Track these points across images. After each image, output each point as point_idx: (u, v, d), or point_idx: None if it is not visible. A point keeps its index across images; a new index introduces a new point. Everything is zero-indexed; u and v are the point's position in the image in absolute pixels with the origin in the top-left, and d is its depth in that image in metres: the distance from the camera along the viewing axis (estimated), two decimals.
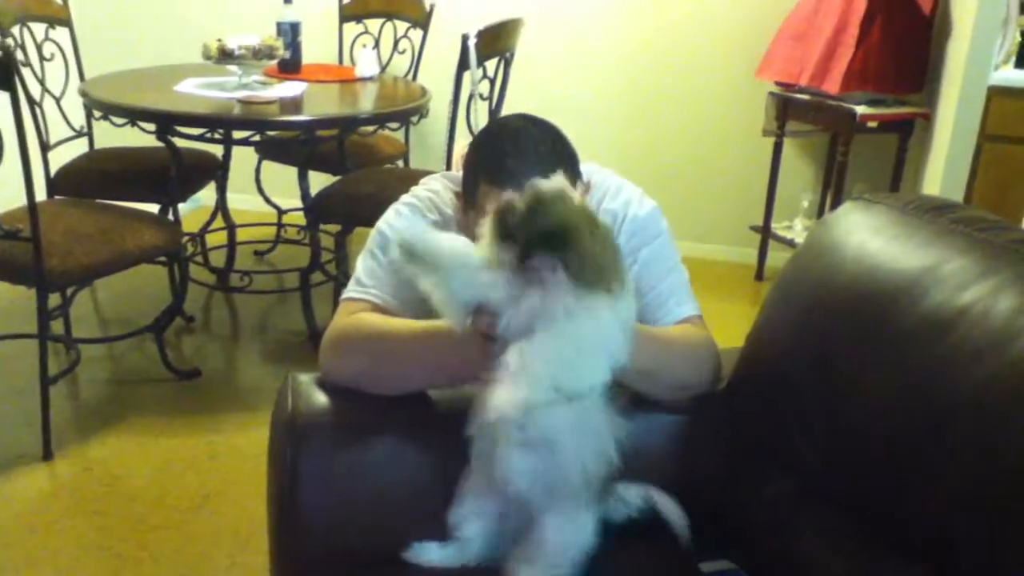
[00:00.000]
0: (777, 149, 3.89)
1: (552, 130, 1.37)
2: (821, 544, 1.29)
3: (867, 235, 1.36)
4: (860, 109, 3.45)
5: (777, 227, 4.00)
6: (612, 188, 1.50)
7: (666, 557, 1.36)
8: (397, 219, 1.48)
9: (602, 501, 1.25)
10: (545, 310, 1.07)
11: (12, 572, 2.11)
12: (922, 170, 3.59)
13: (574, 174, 1.36)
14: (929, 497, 1.13)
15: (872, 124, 3.49)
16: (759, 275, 4.08)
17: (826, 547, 1.28)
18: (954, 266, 1.20)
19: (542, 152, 1.31)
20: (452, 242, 1.13)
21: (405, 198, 1.51)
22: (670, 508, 1.33)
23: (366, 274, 1.45)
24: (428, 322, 1.28)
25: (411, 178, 1.61)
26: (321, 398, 1.38)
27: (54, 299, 2.95)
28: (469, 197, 1.37)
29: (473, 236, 1.28)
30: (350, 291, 1.45)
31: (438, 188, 1.51)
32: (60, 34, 3.27)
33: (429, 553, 1.28)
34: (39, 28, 3.19)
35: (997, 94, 3.25)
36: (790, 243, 3.83)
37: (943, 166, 3.26)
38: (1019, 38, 3.43)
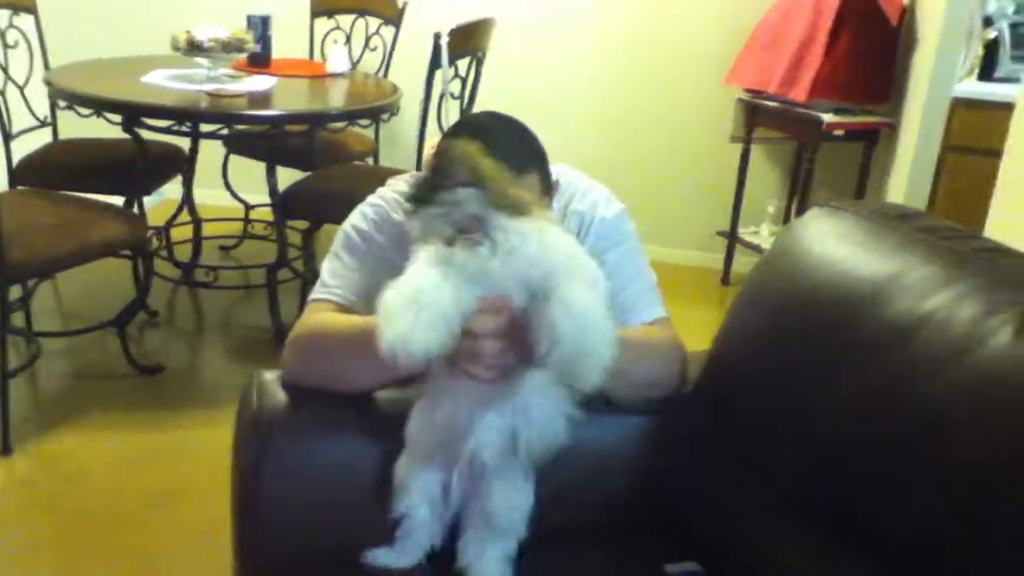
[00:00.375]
0: (745, 155, 3.93)
1: (521, 128, 1.37)
2: (785, 546, 1.30)
3: (833, 242, 1.37)
4: (827, 117, 3.49)
5: (744, 232, 4.03)
6: (580, 190, 1.50)
7: (631, 559, 1.37)
8: (362, 221, 1.47)
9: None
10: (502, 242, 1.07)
11: None
12: (886, 178, 3.64)
13: (543, 172, 1.36)
14: (892, 501, 1.14)
15: (838, 132, 3.53)
16: (725, 280, 4.11)
17: (790, 549, 1.29)
18: (918, 274, 1.22)
19: (511, 150, 1.31)
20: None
21: (371, 199, 1.51)
22: None
23: (330, 275, 1.45)
24: (375, 317, 1.28)
25: (380, 176, 1.60)
26: (285, 397, 1.37)
27: (15, 291, 2.90)
28: None
29: None
30: (315, 293, 1.45)
31: (404, 188, 1.50)
32: (24, 21, 3.21)
33: (384, 557, 1.28)
34: (3, 15, 3.14)
35: (960, 106, 3.31)
36: (756, 248, 3.87)
37: (907, 175, 3.30)
38: (982, 51, 3.50)
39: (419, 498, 1.26)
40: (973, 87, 3.42)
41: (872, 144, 3.70)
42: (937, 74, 3.19)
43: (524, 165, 1.31)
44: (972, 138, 3.34)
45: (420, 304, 1.03)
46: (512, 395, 1.15)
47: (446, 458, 1.24)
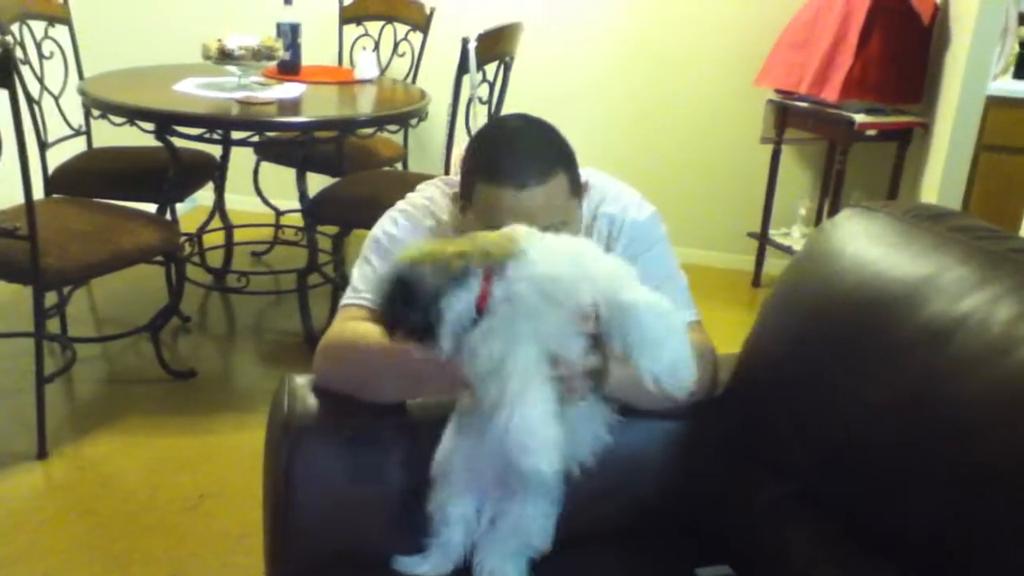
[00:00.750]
0: (775, 156, 3.90)
1: (549, 129, 1.38)
2: (816, 550, 1.29)
3: (866, 243, 1.36)
4: (858, 118, 3.46)
5: (775, 234, 4.00)
6: (611, 193, 1.50)
7: (662, 562, 1.36)
8: (392, 226, 1.48)
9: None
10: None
11: (4, 570, 2.10)
12: (920, 179, 3.59)
13: (571, 173, 1.36)
14: (924, 505, 1.13)
15: (870, 132, 3.50)
16: (756, 282, 4.08)
17: (821, 553, 1.28)
18: (953, 275, 1.20)
19: (539, 151, 1.31)
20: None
21: (400, 205, 1.51)
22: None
23: (361, 280, 1.45)
24: None
25: (409, 181, 1.61)
26: (316, 401, 1.38)
27: (50, 298, 2.94)
28: (467, 197, 1.37)
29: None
30: (346, 298, 1.45)
31: (434, 194, 1.51)
32: (59, 32, 3.26)
33: (415, 567, 1.29)
34: (38, 26, 3.19)
35: (995, 104, 3.25)
36: (787, 250, 3.84)
37: (940, 175, 3.26)
38: (1017, 48, 3.44)
39: (456, 524, 1.27)
40: (1008, 85, 3.36)
41: (905, 144, 3.66)
42: (970, 72, 3.15)
43: (552, 166, 1.31)
44: (1007, 137, 3.29)
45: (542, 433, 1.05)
46: (569, 427, 1.13)
47: (488, 484, 1.24)
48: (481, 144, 1.38)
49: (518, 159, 1.30)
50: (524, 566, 1.26)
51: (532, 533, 1.24)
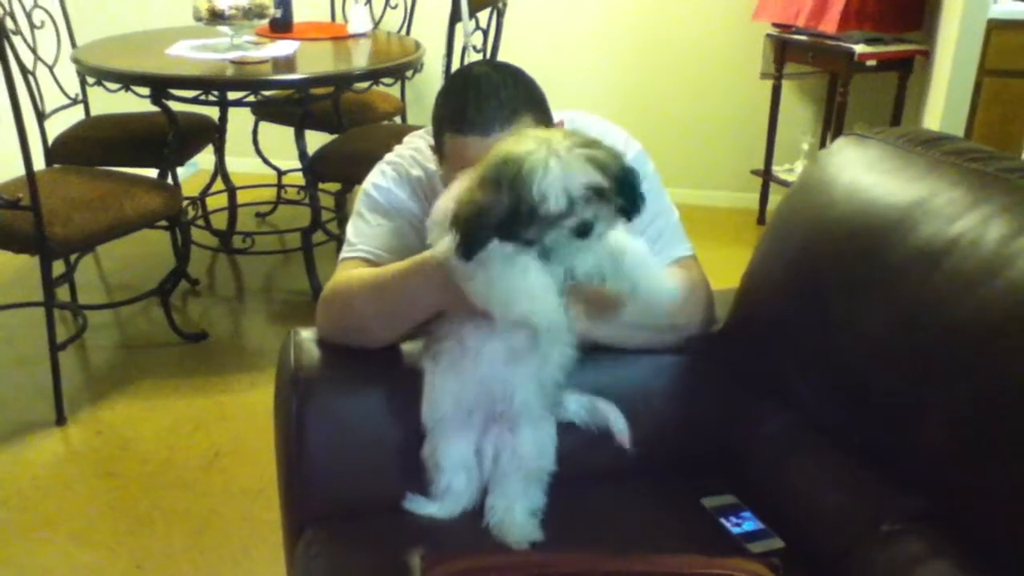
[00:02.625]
0: (776, 92, 3.86)
1: (515, 73, 1.36)
2: (818, 478, 1.31)
3: (859, 170, 1.36)
4: (858, 48, 3.42)
5: (778, 170, 3.98)
6: (596, 132, 1.49)
7: (668, 495, 1.38)
8: (381, 179, 1.49)
9: (557, 404, 1.32)
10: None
11: (29, 534, 2.15)
12: (922, 108, 3.56)
13: (539, 115, 1.34)
14: (922, 428, 1.14)
15: (871, 63, 3.46)
16: (761, 219, 4.07)
17: (822, 481, 1.30)
18: (945, 197, 1.21)
19: (504, 97, 1.30)
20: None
21: (388, 157, 1.52)
22: (613, 418, 1.35)
23: (355, 234, 1.46)
24: (392, 264, 1.30)
25: (407, 134, 1.60)
26: (322, 352, 1.40)
27: (58, 267, 2.96)
28: (439, 148, 1.37)
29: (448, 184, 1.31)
30: (343, 253, 1.47)
31: (420, 145, 1.51)
32: (49, 1, 3.24)
33: (426, 507, 1.32)
34: None
35: (997, 27, 3.20)
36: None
37: (943, 103, 3.23)
38: None
39: (454, 471, 1.29)
40: (1010, 7, 3.30)
41: (906, 73, 3.62)
42: None
43: (516, 110, 1.30)
44: (1010, 60, 3.24)
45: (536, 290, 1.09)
46: (535, 348, 1.18)
47: (479, 421, 1.27)
48: (446, 95, 1.37)
49: (482, 106, 1.29)
50: (537, 494, 1.29)
51: (535, 456, 1.27)
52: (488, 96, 1.30)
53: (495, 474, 1.29)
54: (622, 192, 1.11)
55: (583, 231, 1.08)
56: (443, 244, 1.15)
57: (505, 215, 1.07)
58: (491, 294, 1.10)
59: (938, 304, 1.15)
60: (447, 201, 1.16)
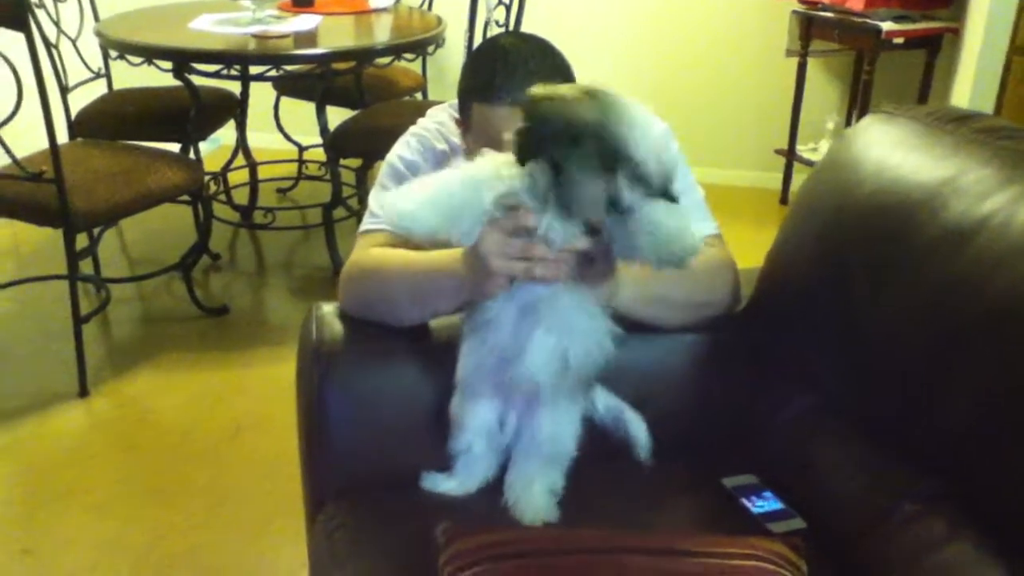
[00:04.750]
0: (801, 70, 3.82)
1: (542, 44, 1.36)
2: (838, 459, 1.30)
3: (887, 148, 1.34)
4: (886, 26, 3.37)
5: (802, 150, 3.94)
6: None
7: (688, 474, 1.38)
8: (406, 150, 1.48)
9: (586, 396, 1.30)
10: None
11: (53, 505, 2.18)
12: (950, 87, 3.51)
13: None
14: (947, 408, 1.13)
15: (898, 41, 3.41)
16: (784, 199, 4.04)
17: (842, 462, 1.29)
18: (975, 176, 1.19)
19: (531, 67, 1.30)
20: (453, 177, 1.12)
21: (413, 129, 1.52)
22: (635, 431, 1.34)
23: (379, 206, 1.46)
24: (426, 252, 1.30)
25: (431, 108, 1.60)
26: (343, 327, 1.40)
27: (81, 240, 2.98)
28: (465, 118, 1.37)
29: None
30: (365, 224, 1.46)
31: (444, 118, 1.51)
32: None
33: (442, 483, 1.32)
34: None
35: None
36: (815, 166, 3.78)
37: (972, 82, 3.18)
38: None
39: (476, 433, 1.29)
40: None
41: (934, 51, 3.57)
42: None
43: (545, 80, 1.28)
44: None
45: (440, 190, 1.08)
46: (558, 316, 1.16)
47: (500, 389, 1.26)
48: (474, 64, 1.37)
49: (511, 77, 1.28)
50: (556, 474, 1.28)
51: (550, 442, 1.26)
52: (516, 66, 1.29)
53: (516, 450, 1.29)
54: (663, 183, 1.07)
55: (614, 206, 1.04)
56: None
57: (576, 131, 1.02)
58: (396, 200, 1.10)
59: (966, 284, 1.13)
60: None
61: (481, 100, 1.31)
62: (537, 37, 1.37)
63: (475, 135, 1.35)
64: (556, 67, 1.34)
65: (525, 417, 1.27)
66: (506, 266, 1.10)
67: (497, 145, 1.21)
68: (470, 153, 1.38)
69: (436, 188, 1.09)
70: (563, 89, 1.07)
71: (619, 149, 1.01)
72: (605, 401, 1.34)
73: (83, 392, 2.58)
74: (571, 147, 1.02)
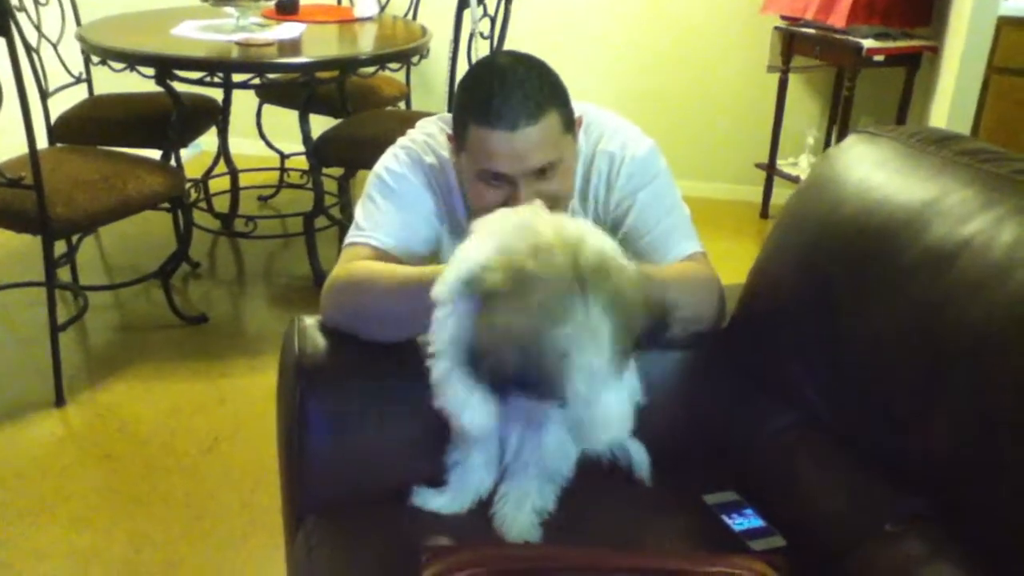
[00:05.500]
0: (782, 85, 3.85)
1: (540, 67, 1.36)
2: (822, 476, 1.31)
3: (870, 168, 1.35)
4: (866, 43, 3.40)
5: (783, 164, 3.97)
6: (608, 129, 1.49)
7: (670, 490, 1.38)
8: (394, 163, 1.48)
9: None
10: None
11: (28, 516, 2.15)
12: (929, 104, 3.55)
13: (564, 109, 1.35)
14: (928, 429, 1.14)
15: (879, 58, 3.45)
16: (764, 213, 4.06)
17: (827, 479, 1.30)
18: (957, 198, 1.20)
19: (530, 89, 1.30)
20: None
21: (402, 141, 1.51)
22: (635, 455, 1.35)
23: (364, 218, 1.45)
24: (417, 268, 1.29)
25: (412, 120, 1.60)
26: (326, 340, 1.39)
27: (60, 247, 2.96)
28: (460, 139, 1.37)
29: (466, 178, 1.33)
30: (351, 236, 1.45)
31: (433, 131, 1.50)
32: None
33: (433, 500, 1.30)
34: None
35: (1007, 24, 3.20)
36: (796, 180, 3.81)
37: (950, 99, 3.22)
38: None
39: (476, 448, 1.27)
40: (1020, 4, 3.29)
41: (914, 69, 3.61)
42: None
43: (543, 104, 1.30)
44: (1019, 59, 3.24)
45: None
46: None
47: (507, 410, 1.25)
48: (471, 85, 1.36)
49: (509, 99, 1.28)
50: (549, 496, 1.27)
51: (557, 456, 1.25)
52: (514, 88, 1.29)
53: (514, 464, 1.28)
54: (644, 342, 1.06)
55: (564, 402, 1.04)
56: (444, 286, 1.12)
57: (513, 376, 1.02)
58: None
59: (947, 306, 1.14)
60: (466, 254, 1.12)
61: (479, 122, 1.30)
62: (534, 58, 1.37)
63: (470, 156, 1.35)
64: (553, 91, 1.34)
65: (528, 431, 1.26)
66: None
67: (494, 167, 1.20)
68: (460, 170, 1.38)
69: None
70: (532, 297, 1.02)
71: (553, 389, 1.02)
72: None
73: (59, 401, 2.55)
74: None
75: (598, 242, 1.07)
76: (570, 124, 1.37)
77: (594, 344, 1.00)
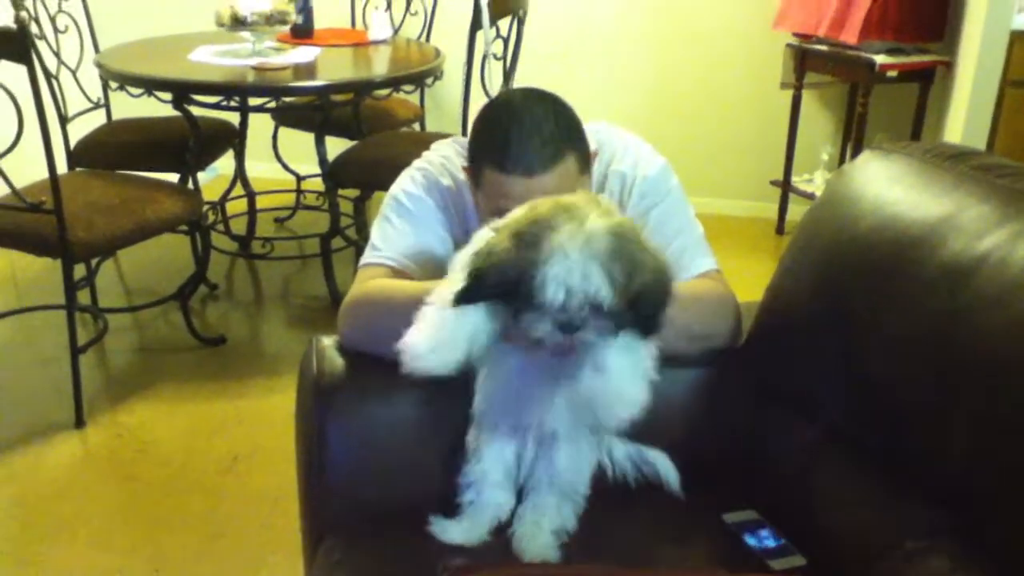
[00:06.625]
0: (796, 102, 3.85)
1: (555, 104, 1.35)
2: (841, 493, 1.30)
3: (885, 185, 1.35)
4: (879, 59, 3.40)
5: (797, 181, 3.97)
6: (619, 149, 1.49)
7: (688, 509, 1.38)
8: (411, 185, 1.48)
9: (600, 446, 1.31)
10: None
11: (48, 537, 2.16)
12: (943, 119, 3.54)
13: (580, 151, 1.35)
14: (947, 443, 1.14)
15: (892, 74, 3.45)
16: (780, 229, 4.06)
17: (845, 496, 1.29)
18: (973, 213, 1.19)
19: (547, 134, 1.29)
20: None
21: (418, 163, 1.52)
22: (662, 467, 1.35)
23: (380, 239, 1.46)
24: (431, 283, 1.30)
25: (427, 141, 1.61)
26: (344, 361, 1.40)
27: (79, 270, 2.98)
28: (476, 177, 1.37)
29: (483, 212, 1.33)
30: (367, 257, 1.46)
31: (449, 153, 1.51)
32: (73, 6, 3.27)
33: (451, 532, 1.28)
34: (52, 0, 3.20)
35: (1020, 38, 3.18)
36: (811, 197, 3.80)
37: (965, 114, 3.21)
38: None
39: (492, 464, 1.27)
40: None
41: (927, 84, 3.60)
42: (995, 5, 3.08)
43: (560, 149, 1.30)
44: None
45: (444, 326, 1.11)
46: (583, 367, 1.13)
47: (516, 427, 1.26)
48: (487, 127, 1.36)
49: (525, 145, 1.28)
50: (569, 515, 1.27)
51: (570, 472, 1.26)
52: (532, 133, 1.28)
53: (530, 482, 1.28)
54: (639, 307, 1.07)
55: (566, 328, 1.06)
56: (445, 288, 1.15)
57: (507, 282, 1.06)
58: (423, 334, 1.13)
59: (965, 321, 1.13)
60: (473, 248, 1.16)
61: (494, 167, 1.31)
62: (548, 95, 1.36)
63: (486, 197, 1.35)
64: (570, 132, 1.33)
65: (542, 448, 1.26)
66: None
67: (507, 207, 1.22)
68: (482, 210, 1.38)
69: (440, 327, 1.12)
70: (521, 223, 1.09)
71: (529, 292, 1.05)
72: (622, 448, 1.33)
73: (79, 423, 2.57)
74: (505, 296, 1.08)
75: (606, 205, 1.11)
76: (586, 164, 1.37)
77: (588, 249, 1.03)
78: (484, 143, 1.35)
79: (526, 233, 1.06)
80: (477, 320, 1.12)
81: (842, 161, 3.98)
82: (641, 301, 1.07)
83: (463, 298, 1.10)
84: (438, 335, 1.12)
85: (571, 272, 1.02)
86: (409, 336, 1.13)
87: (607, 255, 1.04)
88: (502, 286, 1.07)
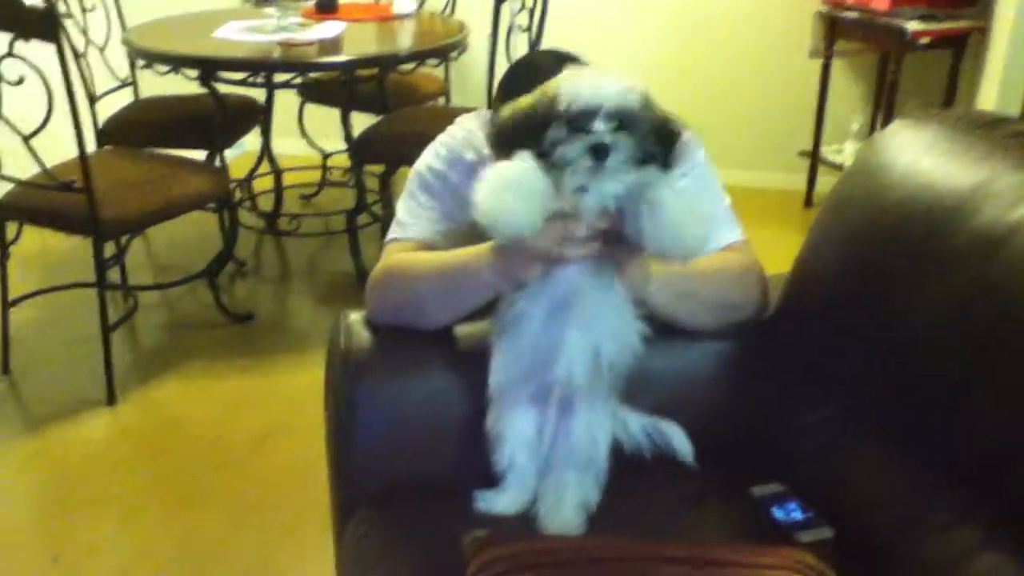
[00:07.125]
0: (825, 71, 3.79)
1: (577, 63, 1.35)
2: (867, 467, 1.29)
3: (917, 154, 1.33)
4: (911, 26, 3.34)
5: (827, 151, 3.92)
6: None
7: (716, 482, 1.37)
8: (435, 160, 1.48)
9: (616, 416, 1.31)
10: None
11: (81, 512, 2.20)
12: (977, 87, 3.47)
13: None
14: (976, 418, 1.12)
15: (924, 41, 3.38)
16: (808, 202, 4.01)
17: (872, 470, 1.28)
18: (1007, 181, 1.17)
19: None
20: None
21: (442, 138, 1.52)
22: (677, 440, 1.34)
23: (406, 214, 1.46)
24: (454, 251, 1.31)
25: (452, 115, 1.60)
26: (371, 335, 1.40)
27: (109, 248, 3.01)
28: None
29: None
30: (392, 233, 1.47)
31: (473, 127, 1.50)
32: None
33: (496, 504, 1.29)
34: None
35: None
36: (840, 168, 3.75)
37: (999, 82, 3.15)
38: None
39: (517, 444, 1.27)
40: None
41: (960, 51, 3.53)
42: None
43: None
44: None
45: (518, 187, 1.09)
46: (588, 312, 1.18)
47: (535, 394, 1.26)
48: (510, 87, 1.35)
49: None
50: (591, 487, 1.27)
51: (587, 442, 1.26)
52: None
53: (550, 459, 1.28)
54: (658, 141, 1.11)
55: (598, 153, 1.07)
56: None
57: (532, 118, 1.10)
58: (483, 203, 1.10)
59: (997, 290, 1.12)
60: None
61: None
62: (572, 55, 1.37)
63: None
64: None
65: (561, 423, 1.26)
66: (543, 248, 1.12)
67: None
68: None
69: (518, 186, 1.10)
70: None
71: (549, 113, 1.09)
72: (637, 421, 1.33)
73: (111, 400, 2.60)
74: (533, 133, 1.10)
75: None
76: None
77: (603, 76, 1.11)
78: (508, 103, 1.34)
79: (547, 88, 1.12)
80: (534, 174, 1.10)
81: (872, 131, 3.92)
82: (657, 131, 1.12)
83: (497, 148, 1.14)
84: (514, 194, 1.10)
85: (590, 84, 1.09)
86: (482, 204, 1.10)
87: (620, 85, 1.11)
88: (532, 127, 1.10)
